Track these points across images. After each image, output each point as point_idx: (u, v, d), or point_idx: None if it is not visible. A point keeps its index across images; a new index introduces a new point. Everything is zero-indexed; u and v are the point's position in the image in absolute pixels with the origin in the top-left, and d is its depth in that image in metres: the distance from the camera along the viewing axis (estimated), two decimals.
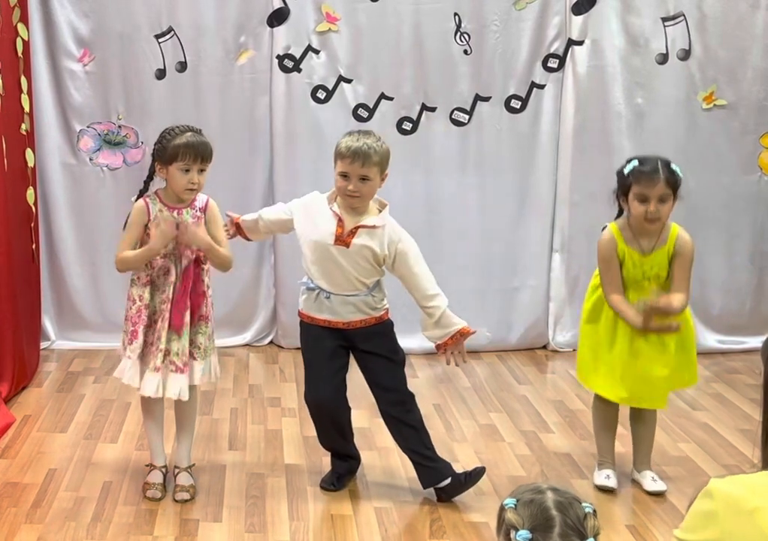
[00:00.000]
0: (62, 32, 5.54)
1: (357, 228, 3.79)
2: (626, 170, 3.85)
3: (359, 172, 3.72)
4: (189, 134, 3.73)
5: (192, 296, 3.81)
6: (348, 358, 3.94)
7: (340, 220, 3.80)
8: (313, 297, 3.88)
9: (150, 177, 3.85)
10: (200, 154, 3.71)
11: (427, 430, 3.98)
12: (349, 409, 4.00)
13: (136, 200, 3.85)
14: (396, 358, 3.92)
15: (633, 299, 3.88)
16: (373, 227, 3.80)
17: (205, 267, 3.85)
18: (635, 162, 3.85)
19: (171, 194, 3.81)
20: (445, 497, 3.90)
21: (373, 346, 3.88)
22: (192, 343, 3.83)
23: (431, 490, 3.93)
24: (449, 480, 3.88)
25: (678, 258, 3.89)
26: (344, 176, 3.75)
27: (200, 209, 3.83)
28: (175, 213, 3.79)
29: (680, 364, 3.98)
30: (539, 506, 1.85)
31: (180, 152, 3.69)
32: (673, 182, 3.81)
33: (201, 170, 3.74)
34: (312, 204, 3.90)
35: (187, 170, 3.72)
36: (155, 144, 3.80)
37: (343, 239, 3.78)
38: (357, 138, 3.75)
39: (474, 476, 3.90)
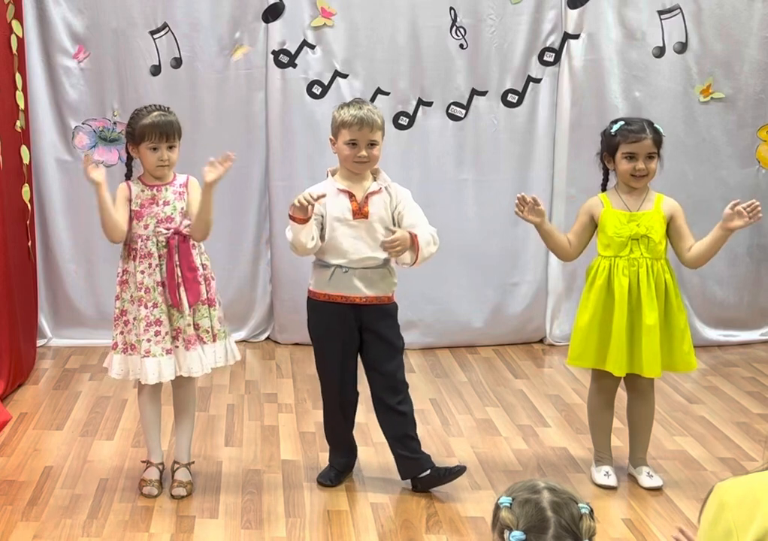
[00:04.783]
0: (57, 29, 5.54)
1: (368, 196, 3.86)
2: (613, 130, 3.97)
3: (368, 137, 3.81)
4: (156, 113, 3.81)
5: (184, 272, 3.79)
6: (359, 339, 3.93)
7: (351, 195, 3.86)
8: (328, 275, 3.88)
9: (130, 158, 3.92)
10: (164, 132, 3.77)
11: (416, 422, 3.99)
12: (357, 394, 4.02)
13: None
14: (398, 344, 3.95)
15: (623, 262, 3.91)
16: (380, 190, 3.88)
17: (198, 246, 3.85)
18: (621, 122, 3.99)
19: (148, 174, 3.87)
20: (421, 487, 3.94)
21: (380, 328, 3.90)
22: (196, 326, 3.83)
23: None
24: (428, 472, 3.91)
25: (674, 220, 3.98)
26: (353, 144, 3.82)
27: (181, 185, 3.88)
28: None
29: (674, 338, 3.97)
30: (534, 506, 1.83)
31: (147, 132, 3.77)
32: (658, 141, 3.96)
33: (171, 147, 3.81)
34: (320, 190, 3.90)
35: (155, 149, 3.79)
36: (126, 126, 3.89)
37: (360, 211, 3.85)
38: (358, 107, 3.86)
39: (453, 473, 3.92)
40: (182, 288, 3.80)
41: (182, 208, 3.84)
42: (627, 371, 3.95)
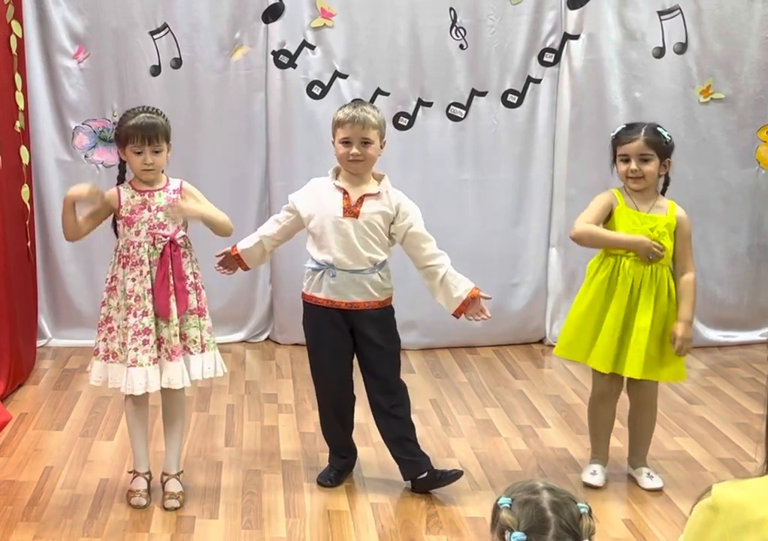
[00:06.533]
0: (57, 29, 5.53)
1: (363, 197, 3.84)
2: (613, 134, 4.00)
3: (361, 135, 3.80)
4: (142, 115, 3.69)
5: (176, 281, 3.71)
6: (352, 343, 3.93)
7: (345, 193, 3.84)
8: (317, 277, 3.88)
9: (123, 161, 3.81)
10: (146, 136, 3.65)
11: (413, 424, 3.99)
12: (353, 398, 4.01)
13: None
14: (391, 347, 3.94)
15: (629, 262, 3.90)
16: (378, 193, 3.86)
17: (189, 255, 3.77)
18: (622, 126, 4.01)
19: (138, 179, 3.78)
20: (419, 488, 3.95)
21: (372, 332, 3.89)
22: (183, 336, 3.75)
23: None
24: (425, 474, 3.93)
25: (678, 231, 3.95)
26: (346, 142, 3.81)
27: (174, 191, 3.77)
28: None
29: (667, 345, 3.95)
30: (534, 506, 1.83)
31: (130, 135, 3.67)
32: (655, 143, 3.89)
33: (156, 151, 3.69)
34: (315, 186, 3.94)
35: (139, 152, 3.69)
36: (115, 128, 3.82)
37: (351, 209, 3.83)
38: (353, 106, 3.88)
39: (449, 477, 3.93)
40: (172, 297, 3.71)
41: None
42: (611, 370, 3.94)
